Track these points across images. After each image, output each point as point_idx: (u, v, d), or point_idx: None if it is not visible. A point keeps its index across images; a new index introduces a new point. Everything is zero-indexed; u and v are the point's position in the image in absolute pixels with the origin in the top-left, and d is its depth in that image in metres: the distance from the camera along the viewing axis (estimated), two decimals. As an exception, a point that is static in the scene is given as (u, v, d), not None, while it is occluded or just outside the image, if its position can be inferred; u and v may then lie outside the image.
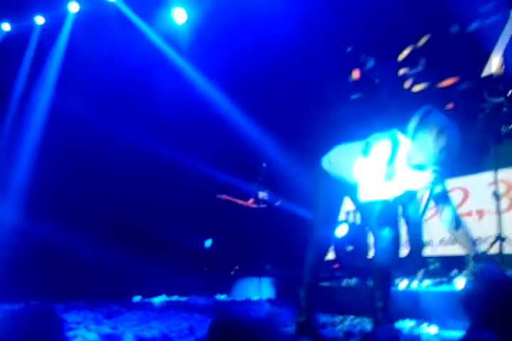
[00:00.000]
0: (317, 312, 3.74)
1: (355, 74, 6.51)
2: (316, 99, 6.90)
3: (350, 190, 3.46)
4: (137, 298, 6.15)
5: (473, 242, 4.02)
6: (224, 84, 7.51)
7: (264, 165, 6.88)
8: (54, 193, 6.97)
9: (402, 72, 5.85)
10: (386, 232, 4.01)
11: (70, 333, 3.70)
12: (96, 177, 7.36)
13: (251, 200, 7.30)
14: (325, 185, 3.57)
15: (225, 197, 7.45)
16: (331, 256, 6.50)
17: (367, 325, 3.79)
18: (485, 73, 5.53)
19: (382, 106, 4.73)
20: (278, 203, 7.18)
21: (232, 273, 7.21)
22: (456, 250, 5.54)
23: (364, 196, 3.28)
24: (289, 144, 7.08)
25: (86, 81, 7.05)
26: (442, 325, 3.50)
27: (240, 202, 7.43)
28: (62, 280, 6.49)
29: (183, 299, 6.17)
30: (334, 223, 3.71)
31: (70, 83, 7.23)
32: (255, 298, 5.98)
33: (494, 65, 5.31)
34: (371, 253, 5.62)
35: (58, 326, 1.49)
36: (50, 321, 1.46)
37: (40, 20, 7.65)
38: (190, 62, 7.78)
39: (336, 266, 5.57)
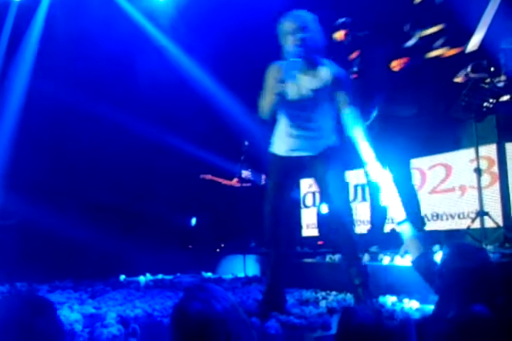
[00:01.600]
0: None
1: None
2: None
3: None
4: (122, 277, 6.15)
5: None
6: (207, 63, 7.42)
7: (246, 143, 6.86)
8: (37, 174, 6.90)
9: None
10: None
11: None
12: (79, 157, 7.30)
13: (235, 179, 7.30)
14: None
15: (208, 177, 7.43)
16: (315, 232, 6.57)
17: (351, 300, 3.84)
18: (468, 49, 5.51)
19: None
20: (262, 181, 7.18)
21: (217, 250, 7.25)
22: (437, 225, 5.63)
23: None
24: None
25: (65, 60, 6.91)
26: (423, 300, 3.55)
27: (224, 181, 7.43)
28: (46, 261, 6.48)
29: (168, 277, 6.19)
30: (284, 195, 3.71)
31: (48, 63, 7.08)
32: (240, 275, 6.02)
33: (476, 40, 5.29)
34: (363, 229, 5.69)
35: (49, 315, 1.45)
36: (39, 310, 1.43)
37: (16, -5, 7.45)
38: (173, 40, 7.65)
39: (320, 242, 5.62)
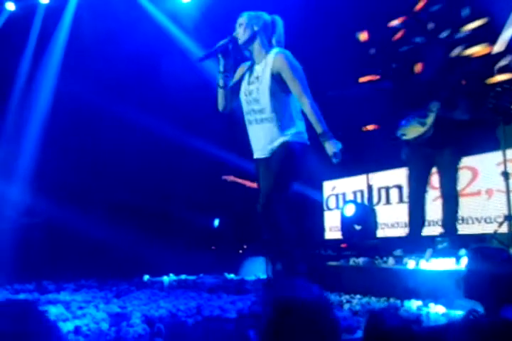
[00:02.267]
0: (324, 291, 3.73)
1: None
2: (323, 78, 6.81)
3: None
4: (146, 278, 6.20)
5: None
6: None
7: None
8: (64, 174, 7.01)
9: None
10: None
11: (79, 312, 3.75)
12: (104, 158, 7.38)
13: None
14: None
15: (231, 178, 7.45)
16: (338, 235, 6.53)
17: (375, 304, 3.81)
18: (495, 49, 5.42)
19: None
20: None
21: (240, 252, 7.26)
22: (464, 230, 5.56)
23: None
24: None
25: (90, 62, 7.00)
26: (449, 305, 3.51)
27: (247, 183, 7.43)
28: (72, 259, 6.57)
29: (191, 278, 6.22)
30: None
31: (74, 64, 7.18)
32: (263, 276, 6.01)
33: (503, 40, 5.21)
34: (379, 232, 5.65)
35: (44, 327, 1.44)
36: (34, 321, 1.42)
37: (44, -1, 7.58)
38: (196, 41, 7.69)
39: (344, 245, 5.59)
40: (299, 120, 3.39)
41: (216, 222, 7.78)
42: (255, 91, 3.43)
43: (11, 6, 7.56)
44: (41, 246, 6.80)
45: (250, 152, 7.28)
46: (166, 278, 6.05)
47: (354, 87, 5.89)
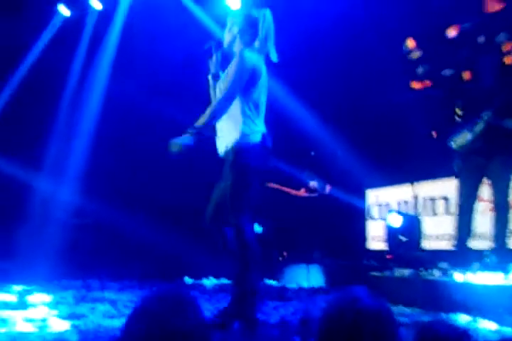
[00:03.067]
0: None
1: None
2: (373, 85, 6.76)
3: None
4: (187, 280, 6.26)
5: None
6: (275, 70, 7.45)
7: (313, 153, 6.86)
8: (111, 175, 7.16)
9: None
10: None
11: (126, 311, 3.82)
12: (150, 159, 7.49)
13: (302, 190, 7.28)
14: None
15: (274, 185, 7.45)
16: (381, 245, 6.45)
17: (421, 316, 3.74)
18: None
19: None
20: (327, 191, 7.14)
21: (280, 259, 7.24)
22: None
23: None
24: (341, 131, 7.00)
25: (140, 64, 7.14)
26: (500, 321, 3.41)
27: (292, 191, 7.42)
28: (116, 259, 6.69)
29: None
30: None
31: (124, 66, 7.34)
32: (304, 284, 5.99)
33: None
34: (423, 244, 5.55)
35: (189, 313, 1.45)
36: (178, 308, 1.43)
37: (96, 4, 7.77)
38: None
39: (389, 256, 5.51)
40: (250, 119, 3.33)
41: (256, 228, 7.78)
42: (218, 89, 3.52)
43: (65, 12, 7.81)
44: (88, 245, 6.95)
45: (294, 158, 7.28)
46: (207, 281, 6.08)
47: (404, 94, 5.81)
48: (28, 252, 6.54)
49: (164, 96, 7.14)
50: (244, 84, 3.32)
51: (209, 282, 6.04)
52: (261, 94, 3.39)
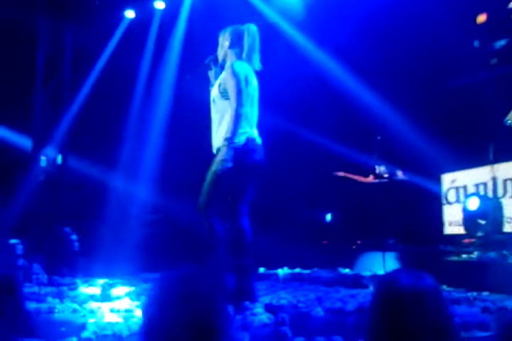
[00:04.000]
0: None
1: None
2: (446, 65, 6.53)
3: None
4: (261, 270, 6.31)
5: None
6: (339, 55, 7.35)
7: (379, 138, 6.73)
8: (181, 171, 7.32)
9: None
10: None
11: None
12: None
13: (371, 176, 7.15)
14: None
15: (342, 174, 7.37)
16: (460, 230, 6.23)
17: (507, 301, 3.59)
18: None
19: None
20: (399, 177, 6.98)
21: (353, 247, 7.16)
22: None
23: None
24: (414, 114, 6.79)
25: (204, 55, 7.22)
26: None
27: (359, 178, 7.31)
28: (191, 252, 6.85)
29: (306, 272, 6.23)
30: None
31: (190, 66, 7.46)
32: (380, 272, 5.89)
33: None
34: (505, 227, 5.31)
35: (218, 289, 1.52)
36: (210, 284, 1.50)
37: (160, 5, 7.94)
38: (304, 33, 7.67)
39: (467, 240, 5.32)
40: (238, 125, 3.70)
41: (328, 217, 7.74)
42: (212, 96, 3.94)
43: (130, 14, 8.02)
44: (163, 240, 7.16)
45: (363, 145, 7.17)
46: (281, 271, 6.12)
47: (480, 73, 5.57)
48: (108, 248, 6.82)
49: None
50: (225, 92, 3.76)
51: (282, 272, 6.06)
52: (248, 101, 3.78)
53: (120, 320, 3.37)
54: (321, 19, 7.32)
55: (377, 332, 1.52)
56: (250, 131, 3.80)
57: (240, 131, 3.70)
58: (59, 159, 7.25)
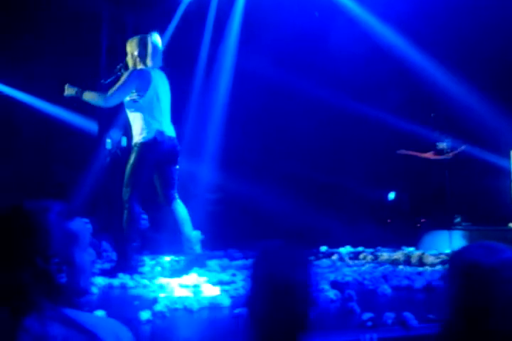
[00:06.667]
0: None
1: None
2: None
3: None
4: (323, 248, 6.31)
5: None
6: (402, 27, 7.11)
7: (433, 115, 6.56)
8: (242, 150, 7.38)
9: None
10: None
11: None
12: (278, 133, 7.60)
13: (432, 152, 6.96)
14: None
15: (404, 152, 7.19)
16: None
17: None
18: None
19: None
20: (461, 150, 6.76)
21: (418, 225, 7.03)
22: None
23: None
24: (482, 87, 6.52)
25: (264, 39, 7.18)
26: None
27: (422, 155, 7.12)
28: (252, 230, 6.93)
29: (368, 250, 6.18)
30: None
31: (249, 42, 7.44)
32: (446, 251, 5.76)
33: None
34: None
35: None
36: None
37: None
38: (365, 6, 7.46)
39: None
40: (143, 123, 4.40)
41: (391, 195, 7.61)
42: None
43: (187, -4, 8.03)
44: (222, 218, 7.26)
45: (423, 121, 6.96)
46: (343, 250, 6.09)
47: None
48: (172, 226, 6.98)
49: (287, 69, 7.15)
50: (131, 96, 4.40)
51: (344, 250, 6.04)
52: (151, 101, 4.41)
53: (190, 294, 3.47)
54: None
55: (456, 309, 1.49)
56: (159, 125, 4.44)
57: (150, 127, 4.39)
58: (124, 141, 7.44)
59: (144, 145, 4.35)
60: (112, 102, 4.47)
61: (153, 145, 4.36)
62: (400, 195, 7.56)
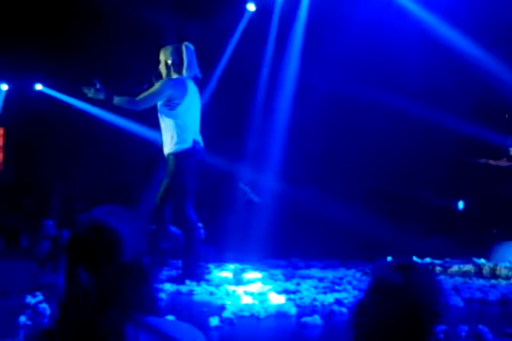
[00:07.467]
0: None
1: None
2: None
3: None
4: (389, 259, 6.17)
5: None
6: (473, 32, 6.89)
7: (507, 116, 6.28)
8: (306, 158, 7.36)
9: None
10: None
11: (338, 287, 3.93)
12: (345, 143, 7.52)
13: (504, 159, 6.68)
14: None
15: (476, 159, 6.95)
16: None
17: None
18: None
19: None
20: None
21: (488, 236, 6.75)
22: None
23: None
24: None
25: (329, 49, 7.13)
26: None
27: (494, 162, 6.85)
28: (316, 240, 6.89)
29: (437, 262, 5.99)
30: None
31: (314, 53, 7.43)
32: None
33: None
34: None
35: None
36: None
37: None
38: (431, 11, 7.29)
39: None
40: (179, 131, 4.37)
41: (461, 205, 7.37)
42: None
43: (251, 7, 8.16)
44: (289, 227, 7.27)
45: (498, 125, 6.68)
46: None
47: None
48: (236, 235, 7.05)
49: (355, 79, 7.09)
50: (168, 104, 4.40)
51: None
52: (187, 110, 4.41)
53: (256, 302, 3.49)
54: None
55: None
56: (195, 135, 4.47)
57: (186, 137, 4.39)
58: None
59: (182, 155, 4.35)
60: (141, 107, 4.47)
61: (191, 154, 4.38)
62: (470, 205, 7.31)
